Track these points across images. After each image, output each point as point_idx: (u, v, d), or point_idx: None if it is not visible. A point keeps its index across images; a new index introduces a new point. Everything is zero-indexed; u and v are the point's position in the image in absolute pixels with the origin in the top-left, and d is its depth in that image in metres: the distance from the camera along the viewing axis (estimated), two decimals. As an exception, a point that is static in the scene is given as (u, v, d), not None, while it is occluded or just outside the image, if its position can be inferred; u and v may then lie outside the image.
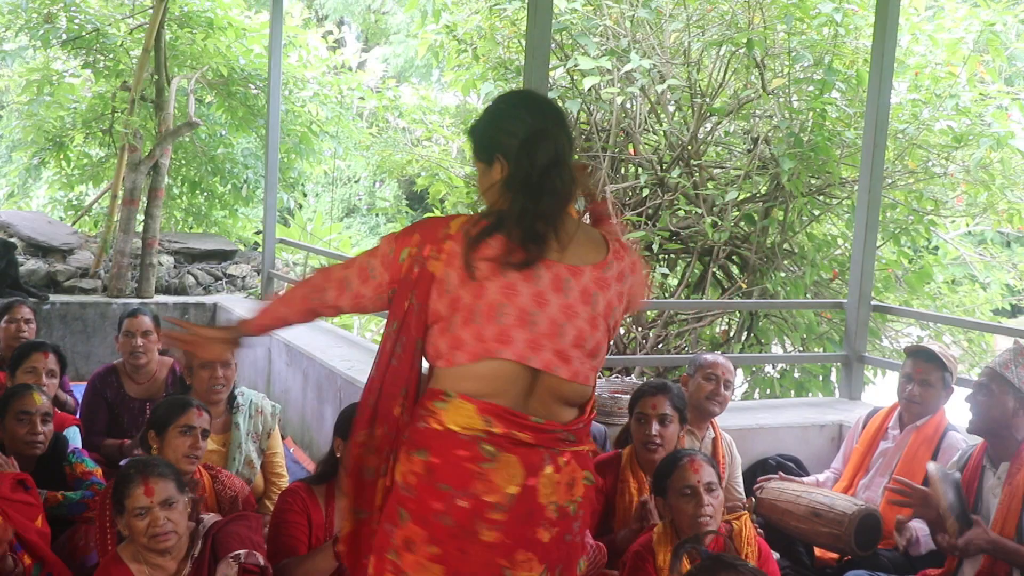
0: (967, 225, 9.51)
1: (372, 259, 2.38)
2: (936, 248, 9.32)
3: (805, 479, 4.65)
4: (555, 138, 2.34)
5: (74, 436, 4.43)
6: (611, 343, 2.41)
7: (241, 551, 3.25)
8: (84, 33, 9.46)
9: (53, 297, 8.33)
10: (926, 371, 4.37)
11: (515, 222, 2.25)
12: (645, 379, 6.90)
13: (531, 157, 2.30)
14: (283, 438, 5.02)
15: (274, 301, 2.55)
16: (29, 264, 8.71)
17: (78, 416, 4.97)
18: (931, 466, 3.76)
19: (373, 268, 2.37)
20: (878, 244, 6.86)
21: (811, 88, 7.54)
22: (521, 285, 2.24)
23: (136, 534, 3.13)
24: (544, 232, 2.26)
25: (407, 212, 15.94)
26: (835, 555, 4.18)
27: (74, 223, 10.64)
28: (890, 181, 7.76)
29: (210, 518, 3.40)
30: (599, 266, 2.33)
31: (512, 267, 2.23)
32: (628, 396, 4.28)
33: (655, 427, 3.86)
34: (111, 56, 9.71)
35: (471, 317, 2.24)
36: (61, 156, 10.46)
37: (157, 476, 3.17)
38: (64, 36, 9.44)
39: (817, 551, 4.23)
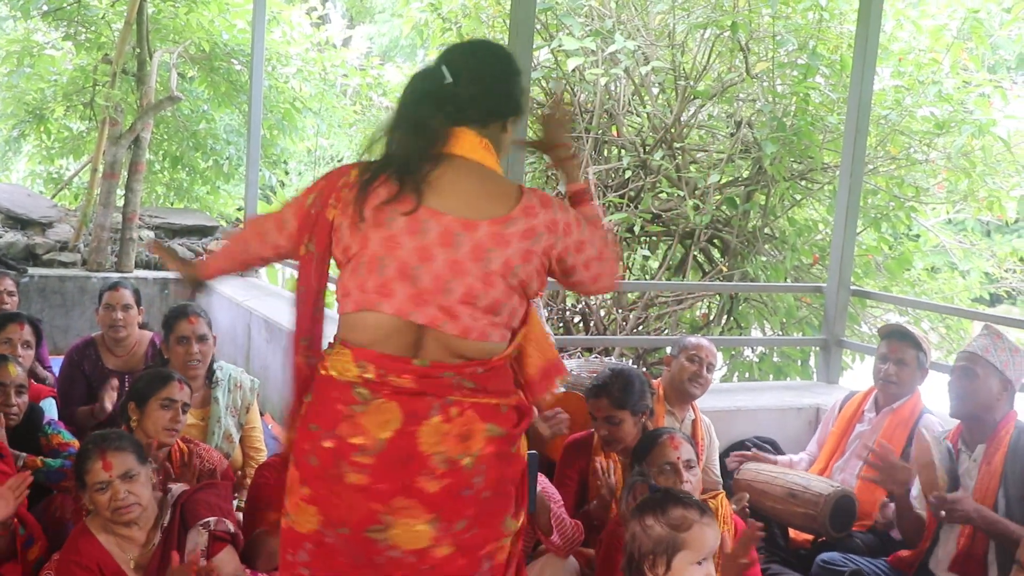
0: (948, 212, 9.56)
1: (287, 208, 2.40)
2: (917, 235, 9.36)
3: (779, 458, 4.68)
4: (432, 75, 2.31)
5: (50, 407, 4.41)
6: (532, 297, 2.33)
7: (211, 518, 3.25)
8: (65, 4, 9.37)
9: (32, 270, 8.28)
10: (900, 350, 4.40)
11: (392, 164, 2.25)
12: (624, 360, 6.94)
13: (405, 94, 2.32)
14: (262, 414, 5.01)
15: (216, 252, 2.63)
16: (8, 237, 8.64)
17: (56, 388, 4.94)
18: (922, 430, 3.82)
19: (286, 218, 2.39)
20: (859, 230, 6.89)
21: (795, 73, 7.55)
22: (404, 238, 2.20)
23: (99, 508, 3.14)
24: (416, 172, 2.23)
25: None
26: (810, 536, 4.21)
27: (54, 196, 10.58)
28: (872, 167, 7.79)
29: (178, 487, 3.39)
30: (499, 221, 2.22)
31: (399, 215, 2.20)
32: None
33: (604, 429, 3.84)
34: (93, 28, 9.62)
35: (357, 267, 2.24)
36: (41, 129, 10.37)
37: (115, 450, 3.16)
38: (45, 7, 9.36)
39: (792, 533, 4.26)
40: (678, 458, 3.40)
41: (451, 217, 2.20)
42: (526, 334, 2.37)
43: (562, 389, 4.69)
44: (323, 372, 2.27)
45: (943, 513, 3.56)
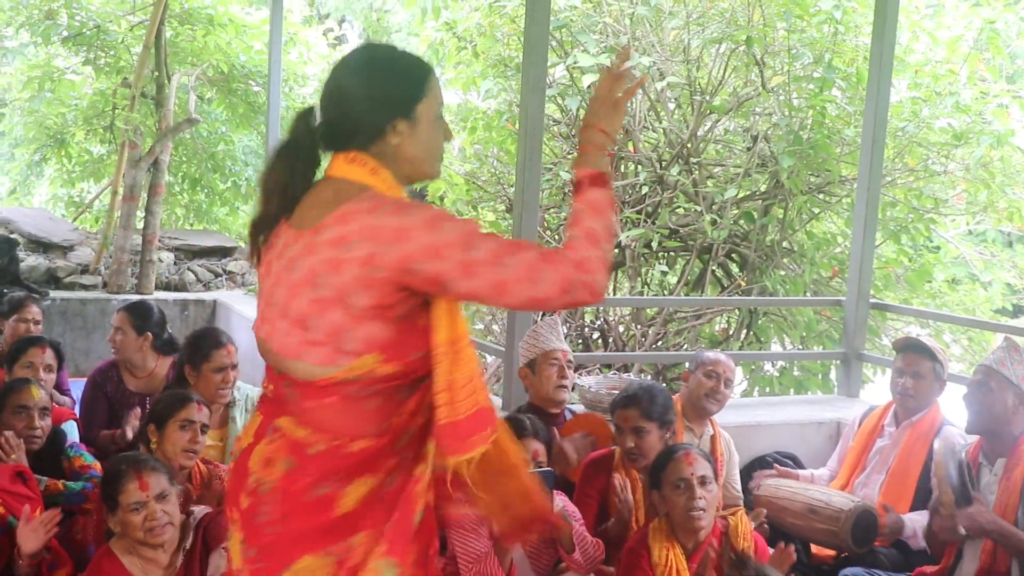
0: (968, 224, 9.51)
1: None
2: (937, 247, 9.31)
3: (800, 473, 4.66)
4: (307, 116, 2.22)
5: (72, 430, 4.44)
6: (347, 313, 2.02)
7: None
8: (85, 30, 9.46)
9: (53, 293, 8.34)
10: (916, 363, 4.38)
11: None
12: (643, 376, 6.92)
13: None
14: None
15: None
16: (30, 260, 8.72)
17: (77, 411, 4.97)
18: (937, 443, 3.79)
19: None
20: (878, 242, 6.86)
21: (811, 86, 7.54)
22: (265, 252, 2.20)
23: (132, 529, 3.14)
24: (268, 193, 2.18)
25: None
26: (832, 552, 4.18)
27: (75, 219, 10.66)
28: (890, 179, 7.76)
29: (200, 510, 3.41)
30: (313, 230, 2.05)
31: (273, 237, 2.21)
32: (620, 395, 4.27)
33: (630, 440, 3.85)
34: (112, 53, 9.71)
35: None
36: (62, 153, 10.47)
37: (150, 470, 3.19)
38: (65, 33, 9.45)
39: (814, 548, 4.23)
40: (692, 474, 3.39)
41: (290, 230, 2.12)
42: (441, 378, 2.05)
43: (580, 409, 4.71)
44: None
45: (961, 529, 3.54)
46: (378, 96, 2.13)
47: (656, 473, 3.50)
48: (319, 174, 2.20)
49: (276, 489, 2.07)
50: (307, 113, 2.19)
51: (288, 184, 2.15)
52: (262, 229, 2.20)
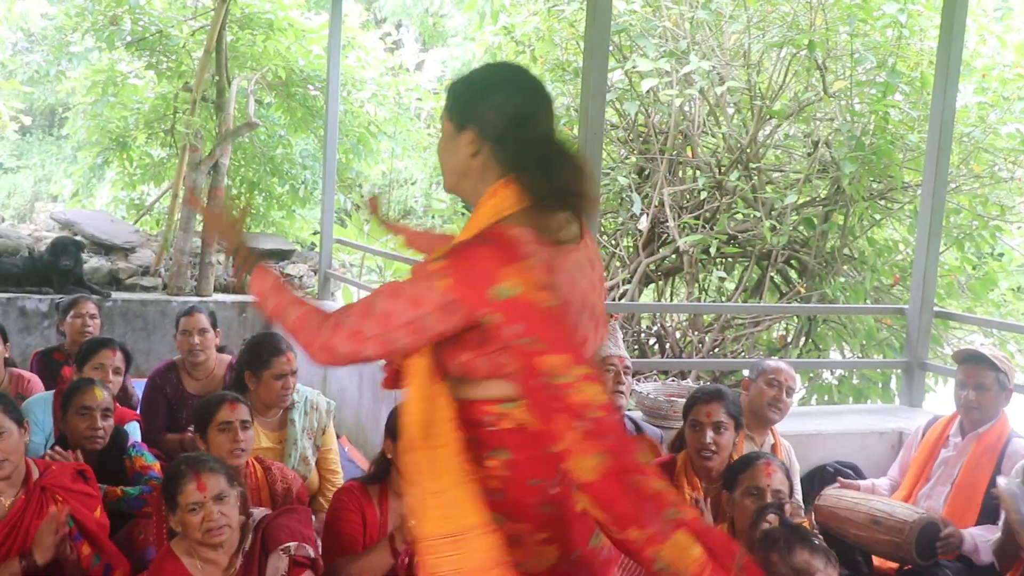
0: (1034, 231, 9.31)
1: None
2: (1001, 254, 9.13)
3: (861, 483, 4.58)
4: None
5: (134, 430, 4.49)
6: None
7: (291, 543, 3.27)
8: (148, 35, 9.60)
9: (115, 294, 8.45)
10: (979, 374, 4.29)
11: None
12: (701, 383, 6.85)
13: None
14: (338, 437, 5.03)
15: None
16: (92, 262, 8.84)
17: (138, 411, 5.03)
18: (1001, 481, 3.69)
19: None
20: (941, 249, 6.74)
21: (873, 91, 7.42)
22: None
23: (190, 529, 3.16)
24: None
25: (463, 214, 15.94)
26: (894, 564, 4.10)
27: (136, 222, 10.79)
28: (954, 185, 7.63)
29: (260, 512, 3.42)
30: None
31: None
32: (683, 400, 4.24)
33: (709, 435, 3.81)
34: (173, 57, 9.83)
35: None
36: (124, 156, 10.60)
37: (208, 471, 3.21)
38: (128, 38, 9.58)
39: (876, 560, 4.16)
40: (768, 486, 3.34)
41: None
42: None
43: (639, 415, 4.67)
44: None
45: None
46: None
47: (732, 475, 3.47)
48: None
49: None
50: None
51: None
52: None
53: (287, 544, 3.26)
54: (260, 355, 4.47)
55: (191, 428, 4.38)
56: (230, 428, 3.80)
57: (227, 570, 3.23)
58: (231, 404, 3.86)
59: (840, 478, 4.56)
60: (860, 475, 4.85)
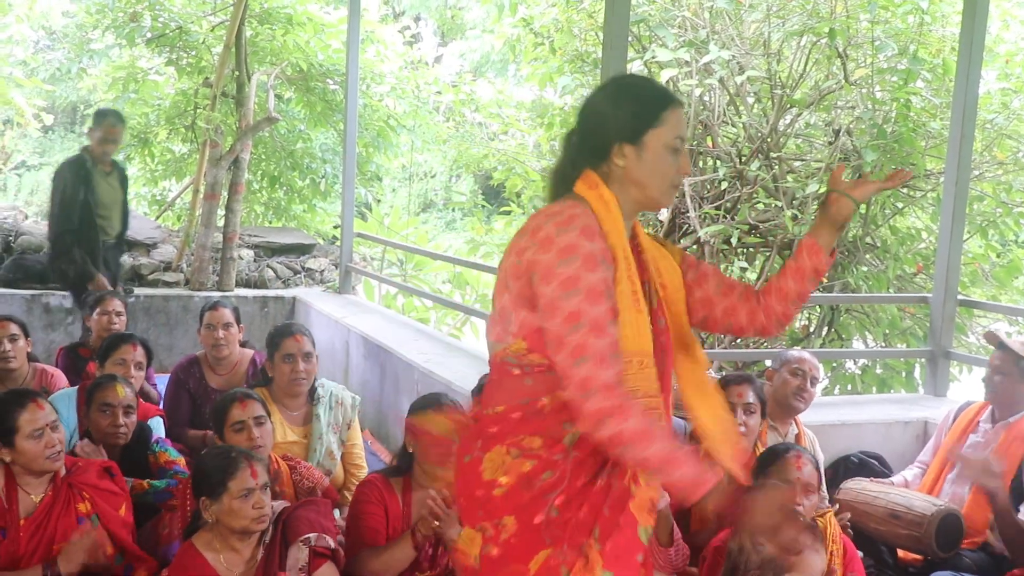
0: (1058, 218, 9.22)
1: None
2: (1025, 241, 9.07)
3: (893, 479, 4.55)
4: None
5: (158, 426, 4.52)
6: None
7: (311, 534, 3.29)
8: (168, 31, 9.63)
9: (137, 290, 8.50)
10: (1003, 361, 4.27)
11: None
12: (723, 373, 6.83)
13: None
14: (361, 430, 5.05)
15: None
16: (115, 257, 8.89)
17: (161, 407, 5.06)
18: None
19: None
20: (964, 237, 6.69)
21: (895, 78, 7.37)
22: None
23: (237, 516, 3.20)
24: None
25: (483, 206, 15.96)
26: (920, 556, 4.08)
27: (158, 217, 10.85)
28: (978, 172, 7.56)
29: (279, 504, 3.45)
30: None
31: None
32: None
33: (740, 416, 3.85)
34: (193, 53, 9.87)
35: None
36: (145, 152, 10.66)
37: (258, 460, 3.30)
38: (149, 34, 9.62)
39: (900, 552, 4.14)
40: (798, 479, 3.33)
41: None
42: None
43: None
44: None
45: None
46: (609, 119, 2.25)
47: (763, 465, 3.46)
48: None
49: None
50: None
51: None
52: None
53: (307, 535, 3.28)
54: (273, 339, 4.55)
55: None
56: (244, 427, 3.83)
57: (249, 562, 3.25)
58: (241, 403, 3.88)
59: (872, 478, 4.52)
60: (885, 465, 4.82)
